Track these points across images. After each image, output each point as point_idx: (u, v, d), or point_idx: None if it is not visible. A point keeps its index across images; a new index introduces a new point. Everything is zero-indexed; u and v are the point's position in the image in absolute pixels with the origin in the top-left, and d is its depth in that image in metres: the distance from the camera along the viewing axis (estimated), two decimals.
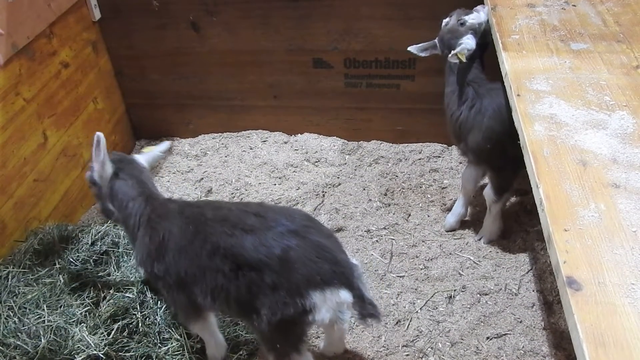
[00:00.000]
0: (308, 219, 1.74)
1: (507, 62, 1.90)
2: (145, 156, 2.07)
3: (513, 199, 2.92)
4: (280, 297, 1.58)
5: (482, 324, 2.31)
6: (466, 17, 2.29)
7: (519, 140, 1.62)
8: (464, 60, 2.24)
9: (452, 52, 2.25)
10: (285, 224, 1.64)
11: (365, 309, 1.66)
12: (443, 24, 2.40)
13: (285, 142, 3.44)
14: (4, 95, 2.38)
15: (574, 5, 2.25)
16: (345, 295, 1.62)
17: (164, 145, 2.17)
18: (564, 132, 1.55)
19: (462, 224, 2.80)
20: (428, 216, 2.88)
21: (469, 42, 2.23)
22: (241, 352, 2.16)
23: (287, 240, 1.60)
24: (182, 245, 1.76)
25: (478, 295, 2.43)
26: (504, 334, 2.26)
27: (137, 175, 1.95)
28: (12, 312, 2.14)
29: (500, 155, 2.34)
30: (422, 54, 2.42)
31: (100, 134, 1.82)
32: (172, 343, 2.10)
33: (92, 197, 3.05)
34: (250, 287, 1.62)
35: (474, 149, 2.41)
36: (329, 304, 1.59)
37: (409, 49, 2.43)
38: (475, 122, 2.34)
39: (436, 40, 2.40)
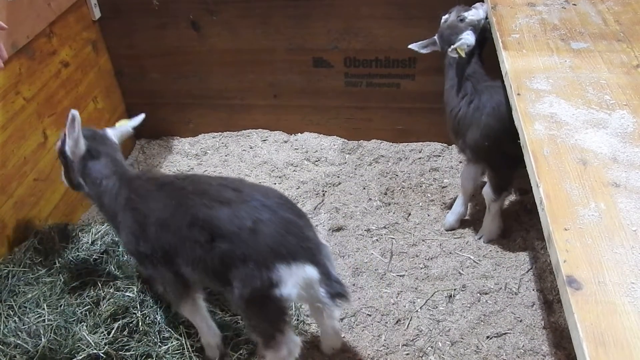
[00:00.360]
0: (282, 198, 1.78)
1: (507, 61, 1.90)
2: (116, 131, 2.10)
3: (513, 198, 2.92)
4: (249, 269, 1.62)
5: (482, 323, 2.31)
6: (465, 14, 2.31)
7: (519, 139, 1.62)
8: (464, 55, 2.25)
9: (452, 46, 2.25)
10: (260, 199, 1.69)
11: (333, 287, 1.71)
12: (442, 20, 2.40)
13: (285, 141, 3.44)
14: (4, 95, 2.38)
15: (574, 4, 2.25)
16: (310, 271, 1.66)
17: (137, 119, 2.18)
18: (564, 131, 1.55)
19: (462, 223, 2.80)
20: (428, 215, 2.88)
21: (468, 38, 2.24)
22: (241, 352, 2.16)
23: (259, 213, 1.65)
24: (164, 218, 1.80)
25: (478, 294, 2.43)
26: (504, 333, 2.26)
27: (110, 153, 2.00)
28: (12, 311, 2.14)
29: (499, 154, 2.34)
30: (423, 51, 2.43)
31: (75, 112, 1.85)
32: (172, 342, 2.11)
33: None
34: (224, 259, 1.67)
35: (472, 146, 2.41)
36: (295, 279, 1.63)
37: (410, 46, 2.44)
38: (474, 118, 2.34)
39: (436, 37, 2.41)
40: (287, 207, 1.73)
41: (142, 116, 2.19)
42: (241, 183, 1.81)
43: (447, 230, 2.78)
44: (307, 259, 1.66)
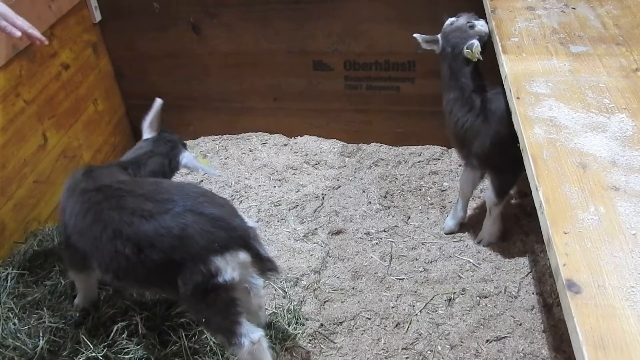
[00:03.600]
0: (201, 195, 1.83)
1: (507, 65, 1.91)
2: (189, 159, 2.30)
3: (513, 202, 2.92)
4: (187, 269, 1.71)
5: (482, 326, 2.31)
6: (476, 22, 2.28)
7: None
8: (478, 57, 2.21)
9: (467, 47, 2.21)
10: (181, 203, 1.75)
11: (264, 265, 1.82)
12: (448, 22, 2.37)
13: (285, 145, 3.44)
14: (4, 97, 2.38)
15: (574, 8, 2.26)
16: (243, 256, 1.77)
17: (213, 172, 2.43)
18: (563, 134, 1.55)
19: (462, 227, 2.80)
20: (428, 219, 2.88)
21: (479, 45, 2.21)
22: None
23: (184, 218, 1.72)
24: (82, 227, 1.86)
25: (478, 297, 2.42)
26: (504, 337, 2.26)
27: (158, 156, 2.22)
28: (11, 313, 2.14)
29: (505, 158, 2.32)
30: (424, 45, 2.38)
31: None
32: (171, 345, 2.10)
33: None
34: (157, 267, 1.74)
35: (479, 154, 2.38)
36: (232, 265, 1.73)
37: (414, 35, 2.38)
38: (482, 127, 2.31)
39: (439, 37, 2.37)
40: (208, 203, 1.79)
41: (218, 173, 2.43)
42: (157, 188, 1.85)
43: (446, 234, 2.78)
44: (238, 245, 1.76)
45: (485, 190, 2.62)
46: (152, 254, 1.72)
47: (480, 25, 2.28)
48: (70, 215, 1.91)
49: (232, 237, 1.75)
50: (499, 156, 2.33)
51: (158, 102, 2.31)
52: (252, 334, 1.84)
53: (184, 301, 1.82)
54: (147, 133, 2.31)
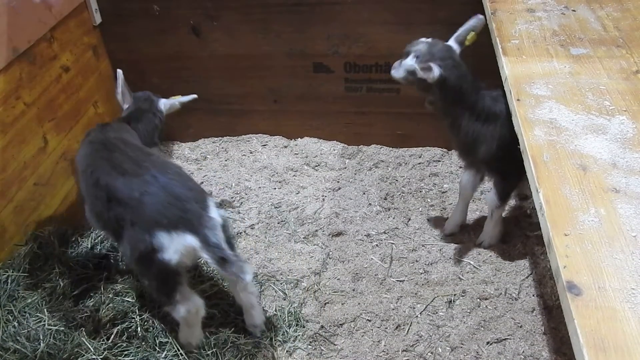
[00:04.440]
0: (177, 175, 1.99)
1: (507, 67, 1.91)
2: (168, 101, 2.61)
3: (513, 204, 2.92)
4: (135, 233, 1.86)
5: (482, 328, 2.30)
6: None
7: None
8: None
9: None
10: (154, 174, 1.93)
11: (214, 253, 1.84)
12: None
13: (285, 146, 3.44)
14: (4, 99, 2.39)
15: (574, 10, 2.26)
16: (190, 240, 1.84)
17: (188, 97, 2.68)
18: (563, 136, 1.55)
19: (462, 229, 2.80)
20: (428, 220, 2.88)
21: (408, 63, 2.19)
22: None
23: (147, 187, 1.89)
24: (82, 170, 2.15)
25: (478, 299, 2.42)
26: (504, 339, 2.26)
27: (147, 114, 2.53)
28: (11, 316, 2.14)
29: (510, 161, 2.31)
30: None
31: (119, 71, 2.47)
32: (169, 348, 2.10)
33: None
34: (118, 219, 1.93)
35: (486, 159, 2.36)
36: (176, 246, 1.82)
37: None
38: (488, 132, 2.27)
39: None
40: (179, 183, 1.93)
41: (194, 96, 2.67)
42: (144, 156, 2.06)
43: (447, 236, 2.78)
44: (187, 228, 1.84)
45: (487, 193, 2.62)
46: (116, 207, 1.93)
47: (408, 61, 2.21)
48: (80, 163, 2.19)
49: (183, 218, 1.85)
50: (505, 158, 2.31)
51: (119, 72, 2.49)
52: (189, 304, 1.96)
53: (126, 259, 2.00)
54: (125, 104, 2.55)
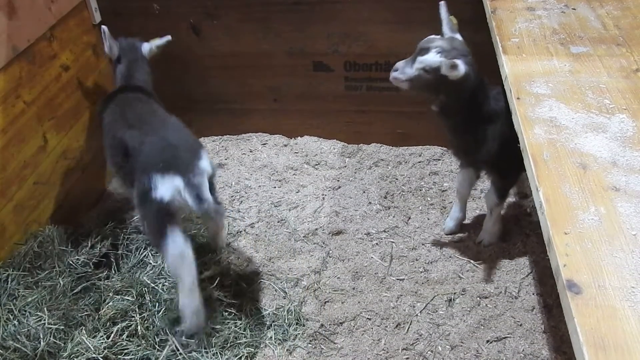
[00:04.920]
0: (176, 127, 2.36)
1: (507, 66, 1.91)
2: (147, 45, 2.76)
3: (513, 202, 2.92)
4: (138, 175, 2.16)
5: (482, 327, 2.31)
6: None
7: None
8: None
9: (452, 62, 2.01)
10: (155, 127, 2.31)
11: (193, 190, 2.09)
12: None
13: (285, 145, 3.44)
14: (4, 98, 2.38)
15: (574, 9, 2.26)
16: (178, 181, 2.10)
17: (163, 39, 2.81)
18: (563, 135, 1.55)
19: (462, 227, 2.80)
20: (428, 219, 2.88)
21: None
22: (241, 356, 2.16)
23: (147, 137, 2.23)
24: (104, 125, 2.54)
25: (478, 298, 2.42)
26: (504, 337, 2.26)
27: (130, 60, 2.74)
28: (11, 314, 2.14)
29: (509, 159, 2.30)
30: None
31: (104, 27, 2.63)
32: (169, 346, 2.10)
33: (91, 200, 3.06)
34: (129, 166, 2.26)
35: (487, 159, 2.34)
36: (167, 186, 2.09)
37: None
38: (491, 131, 2.24)
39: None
40: (175, 134, 2.28)
41: (168, 37, 2.81)
42: (151, 113, 2.46)
43: (447, 235, 2.78)
44: (176, 172, 2.11)
45: (486, 191, 2.62)
46: (128, 157, 2.26)
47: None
48: (103, 119, 2.54)
49: (173, 164, 2.12)
50: (505, 156, 2.30)
51: (104, 29, 2.62)
52: (178, 241, 2.11)
53: (136, 206, 2.24)
54: (116, 55, 2.71)
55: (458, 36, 2.18)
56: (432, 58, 2.04)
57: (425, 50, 2.07)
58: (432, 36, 2.16)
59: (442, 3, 2.20)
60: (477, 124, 2.25)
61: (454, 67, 1.99)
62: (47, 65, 2.68)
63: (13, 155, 2.44)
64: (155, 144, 2.19)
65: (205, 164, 2.18)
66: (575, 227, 1.25)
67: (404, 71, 2.13)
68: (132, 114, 2.41)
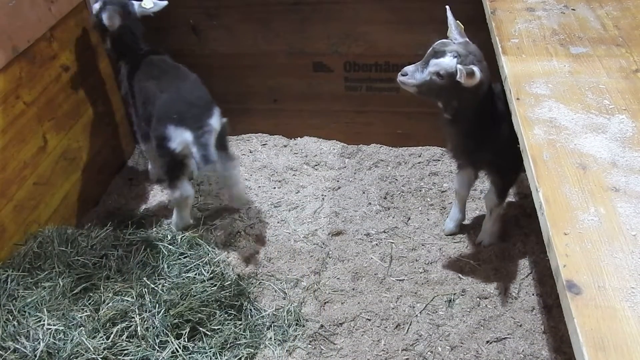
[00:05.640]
0: (194, 84, 2.63)
1: (507, 66, 1.91)
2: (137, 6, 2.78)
3: (513, 202, 2.92)
4: (154, 124, 2.49)
5: (482, 327, 2.31)
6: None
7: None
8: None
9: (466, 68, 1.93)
10: (174, 81, 2.59)
11: (199, 149, 2.36)
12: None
13: (285, 146, 3.44)
14: (4, 99, 2.38)
15: (574, 9, 2.26)
16: (188, 135, 2.39)
17: (161, 4, 2.81)
18: (563, 135, 1.55)
19: (462, 228, 2.80)
20: (427, 220, 2.88)
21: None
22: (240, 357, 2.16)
23: (167, 90, 2.52)
24: (132, 89, 2.77)
25: (478, 298, 2.42)
26: (504, 338, 2.26)
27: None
28: (11, 315, 2.14)
29: (509, 159, 2.30)
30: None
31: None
32: (169, 347, 2.10)
33: (91, 200, 3.06)
34: (149, 116, 2.57)
35: (490, 160, 2.34)
36: (179, 139, 2.39)
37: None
38: (493, 133, 2.22)
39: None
40: (192, 90, 2.56)
41: (165, 3, 2.80)
42: (174, 69, 2.69)
43: (446, 235, 2.78)
44: (188, 127, 2.39)
45: (487, 192, 2.62)
46: (148, 105, 2.58)
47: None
48: (134, 84, 2.74)
49: (187, 118, 2.40)
50: (507, 156, 2.29)
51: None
52: (184, 189, 2.58)
53: (154, 149, 2.58)
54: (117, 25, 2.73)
55: (468, 40, 2.11)
56: (449, 62, 1.95)
57: (440, 54, 1.99)
58: (446, 40, 2.07)
59: (447, 7, 2.15)
60: (485, 126, 2.23)
61: (470, 74, 1.90)
62: (47, 66, 2.68)
63: (13, 156, 2.44)
64: (173, 96, 2.46)
65: (215, 121, 2.47)
66: (575, 228, 1.25)
67: (414, 76, 2.04)
68: (155, 68, 2.66)
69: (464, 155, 2.47)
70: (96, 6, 2.69)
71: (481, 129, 2.23)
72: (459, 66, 1.92)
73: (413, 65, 2.07)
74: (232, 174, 2.75)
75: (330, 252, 2.71)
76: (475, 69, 1.91)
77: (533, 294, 2.43)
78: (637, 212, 1.28)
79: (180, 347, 2.10)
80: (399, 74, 2.08)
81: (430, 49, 2.06)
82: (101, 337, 2.08)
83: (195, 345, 2.15)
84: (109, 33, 2.72)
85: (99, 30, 2.80)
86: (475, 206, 2.93)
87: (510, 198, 2.91)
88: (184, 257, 2.44)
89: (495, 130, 2.20)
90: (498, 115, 2.18)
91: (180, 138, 2.37)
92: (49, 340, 2.04)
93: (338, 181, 3.15)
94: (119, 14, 2.64)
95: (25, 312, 2.15)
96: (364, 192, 3.06)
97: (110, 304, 2.19)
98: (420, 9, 2.87)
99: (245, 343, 2.20)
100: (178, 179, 2.54)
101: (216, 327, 2.21)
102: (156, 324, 2.15)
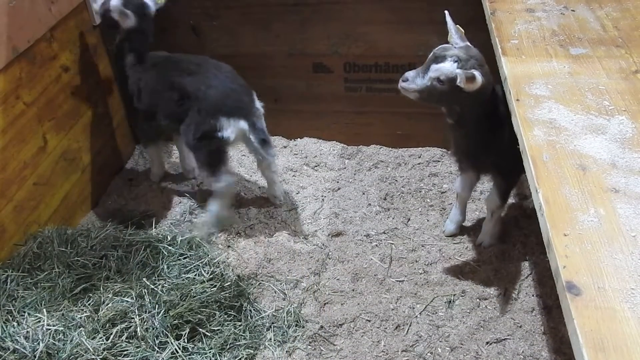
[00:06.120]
0: (231, 73, 2.65)
1: (507, 67, 1.91)
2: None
3: (513, 203, 2.92)
4: (202, 118, 2.51)
5: (482, 328, 2.30)
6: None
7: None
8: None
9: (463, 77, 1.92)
10: (213, 72, 2.60)
11: (257, 134, 2.60)
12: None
13: (285, 147, 3.44)
14: (4, 99, 2.38)
15: (573, 10, 2.26)
16: (243, 124, 2.54)
17: None
18: (563, 136, 1.55)
19: (462, 229, 2.80)
20: (427, 220, 2.88)
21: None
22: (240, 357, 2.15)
23: (210, 81, 2.55)
24: (152, 87, 2.70)
25: (478, 299, 2.42)
26: (504, 339, 2.26)
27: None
28: (10, 315, 2.14)
29: (513, 160, 2.28)
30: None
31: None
32: (169, 347, 2.10)
33: (91, 200, 3.06)
34: (187, 110, 2.56)
35: (495, 162, 2.33)
36: (232, 128, 2.51)
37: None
38: (497, 136, 2.20)
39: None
40: (232, 80, 2.61)
41: None
42: (204, 60, 2.69)
43: (446, 236, 2.78)
44: (241, 115, 2.54)
45: (488, 193, 2.61)
46: (187, 101, 2.55)
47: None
48: (142, 86, 2.73)
49: (238, 107, 2.52)
50: (510, 158, 2.29)
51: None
52: (227, 177, 2.66)
53: (188, 141, 2.61)
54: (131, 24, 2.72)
55: (469, 44, 2.11)
56: (449, 67, 1.94)
57: (440, 59, 1.98)
58: (447, 44, 2.07)
59: (446, 12, 2.14)
60: (489, 129, 2.22)
61: (471, 79, 1.89)
62: (47, 66, 2.68)
63: (13, 156, 2.44)
64: (218, 88, 2.52)
65: (259, 105, 2.61)
66: (574, 229, 1.25)
67: (415, 81, 2.03)
68: (186, 64, 2.65)
69: (467, 158, 2.46)
70: (114, 2, 2.63)
71: (485, 132, 2.22)
72: (458, 71, 1.92)
73: (414, 70, 2.07)
74: (274, 161, 2.84)
75: (330, 253, 2.70)
76: (476, 73, 1.90)
77: (533, 295, 2.43)
78: (636, 213, 1.28)
79: (179, 348, 2.10)
80: (400, 79, 2.08)
81: (431, 54, 2.06)
82: (101, 337, 2.08)
83: (195, 346, 2.15)
84: (122, 29, 2.69)
85: (107, 26, 2.77)
86: (475, 207, 2.93)
87: (511, 199, 2.90)
88: (184, 258, 2.44)
89: (499, 134, 2.19)
90: (501, 118, 2.16)
91: (235, 127, 2.50)
92: (48, 340, 2.04)
93: (338, 182, 3.15)
94: (136, 13, 2.66)
95: (24, 312, 2.15)
96: (363, 193, 3.06)
97: (110, 305, 2.19)
98: (420, 10, 2.87)
99: (245, 344, 2.20)
100: (220, 170, 2.62)
101: (216, 328, 2.21)
102: (156, 324, 2.15)
